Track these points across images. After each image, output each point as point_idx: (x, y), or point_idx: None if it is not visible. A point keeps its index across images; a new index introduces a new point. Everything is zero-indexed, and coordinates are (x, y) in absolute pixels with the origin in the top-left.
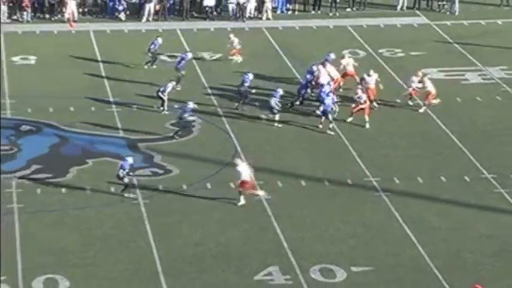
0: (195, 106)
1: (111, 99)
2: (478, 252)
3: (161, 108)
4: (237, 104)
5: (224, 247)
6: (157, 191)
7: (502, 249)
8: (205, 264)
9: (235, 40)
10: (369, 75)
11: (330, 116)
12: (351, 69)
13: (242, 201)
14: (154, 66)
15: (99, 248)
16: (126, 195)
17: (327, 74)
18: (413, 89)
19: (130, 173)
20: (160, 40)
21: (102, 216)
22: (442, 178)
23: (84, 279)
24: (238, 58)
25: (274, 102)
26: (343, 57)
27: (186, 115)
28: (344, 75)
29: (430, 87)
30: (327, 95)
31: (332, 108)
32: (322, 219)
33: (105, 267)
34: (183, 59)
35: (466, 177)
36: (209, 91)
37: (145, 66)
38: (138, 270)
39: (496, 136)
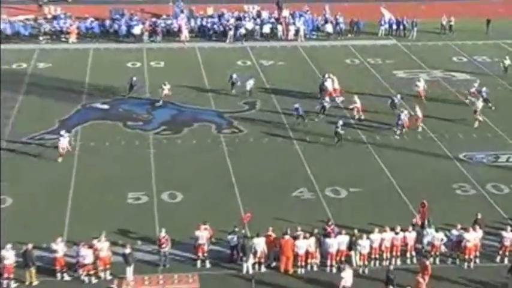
0: None
1: (208, 88)
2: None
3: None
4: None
5: (273, 176)
6: (234, 142)
7: (443, 181)
8: (262, 186)
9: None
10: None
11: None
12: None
13: None
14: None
15: (204, 169)
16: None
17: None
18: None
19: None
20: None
21: (203, 156)
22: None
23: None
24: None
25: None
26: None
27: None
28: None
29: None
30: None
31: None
32: (332, 163)
33: (202, 182)
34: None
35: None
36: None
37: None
38: (221, 183)
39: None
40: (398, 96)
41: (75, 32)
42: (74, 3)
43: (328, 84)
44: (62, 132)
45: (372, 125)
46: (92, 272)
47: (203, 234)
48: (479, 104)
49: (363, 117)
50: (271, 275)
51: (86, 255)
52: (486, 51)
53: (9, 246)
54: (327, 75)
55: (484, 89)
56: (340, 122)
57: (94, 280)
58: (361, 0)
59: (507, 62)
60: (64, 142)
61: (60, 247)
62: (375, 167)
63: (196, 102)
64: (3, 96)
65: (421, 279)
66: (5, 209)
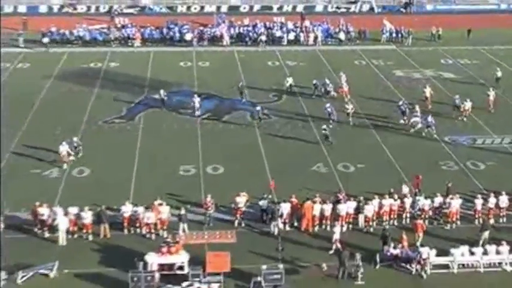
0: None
1: (244, 83)
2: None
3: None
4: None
5: (295, 154)
6: (264, 126)
7: (432, 159)
8: (287, 162)
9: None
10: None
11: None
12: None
13: None
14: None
15: (240, 147)
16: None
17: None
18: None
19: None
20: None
21: (239, 137)
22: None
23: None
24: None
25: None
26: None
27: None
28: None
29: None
30: None
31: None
32: (343, 144)
33: (239, 158)
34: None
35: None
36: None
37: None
38: (254, 159)
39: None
40: (401, 102)
41: (139, 38)
42: (138, 15)
43: (343, 83)
44: (64, 142)
45: (374, 114)
46: (152, 230)
47: (241, 200)
48: (468, 104)
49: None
50: (294, 233)
51: (150, 216)
52: (467, 55)
53: (87, 208)
54: (328, 81)
55: (456, 96)
56: (324, 126)
57: (153, 237)
58: (368, 13)
59: (499, 73)
60: (63, 150)
61: (128, 208)
62: (377, 147)
63: (235, 94)
64: (82, 89)
65: (404, 236)
66: (84, 178)
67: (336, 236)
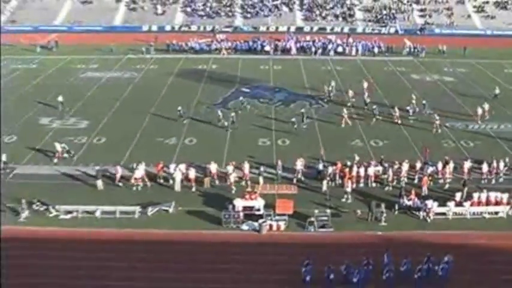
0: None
1: (305, 81)
2: None
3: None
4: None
5: (339, 132)
6: (319, 111)
7: (436, 138)
8: (334, 137)
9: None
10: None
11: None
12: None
13: None
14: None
15: (299, 132)
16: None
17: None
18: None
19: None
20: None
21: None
22: None
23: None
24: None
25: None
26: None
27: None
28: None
29: None
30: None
31: None
32: (374, 127)
33: (302, 133)
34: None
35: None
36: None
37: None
38: (312, 134)
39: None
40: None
41: (232, 48)
42: (232, 32)
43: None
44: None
45: (396, 104)
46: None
47: (300, 163)
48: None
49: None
50: (337, 189)
51: (232, 174)
52: (463, 65)
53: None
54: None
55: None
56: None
57: (234, 188)
58: (394, 34)
59: (497, 91)
60: (58, 146)
61: (213, 167)
62: (398, 129)
63: (298, 89)
64: (192, 83)
65: (413, 191)
66: (192, 145)
67: (348, 189)
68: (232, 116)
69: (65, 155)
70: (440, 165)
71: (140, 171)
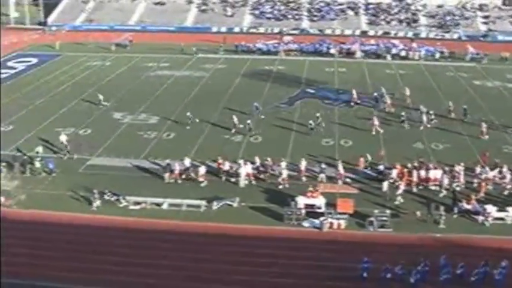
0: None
1: (368, 82)
2: None
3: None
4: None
5: (401, 134)
6: (381, 114)
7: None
8: (395, 138)
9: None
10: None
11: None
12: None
13: None
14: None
15: (362, 133)
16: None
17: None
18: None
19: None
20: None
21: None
22: None
23: None
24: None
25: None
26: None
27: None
28: None
29: None
30: None
31: None
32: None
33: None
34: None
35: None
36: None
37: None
38: (373, 140)
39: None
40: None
41: (291, 50)
42: (299, 35)
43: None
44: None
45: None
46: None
47: (361, 164)
48: None
49: (392, 110)
50: (397, 190)
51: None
52: None
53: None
54: (383, 90)
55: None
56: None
57: (287, 185)
58: (457, 40)
59: None
60: (63, 138)
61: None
62: (457, 134)
63: (362, 91)
64: (259, 83)
65: (473, 196)
66: (257, 143)
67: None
68: (249, 123)
69: (66, 152)
70: (497, 171)
71: (203, 168)
